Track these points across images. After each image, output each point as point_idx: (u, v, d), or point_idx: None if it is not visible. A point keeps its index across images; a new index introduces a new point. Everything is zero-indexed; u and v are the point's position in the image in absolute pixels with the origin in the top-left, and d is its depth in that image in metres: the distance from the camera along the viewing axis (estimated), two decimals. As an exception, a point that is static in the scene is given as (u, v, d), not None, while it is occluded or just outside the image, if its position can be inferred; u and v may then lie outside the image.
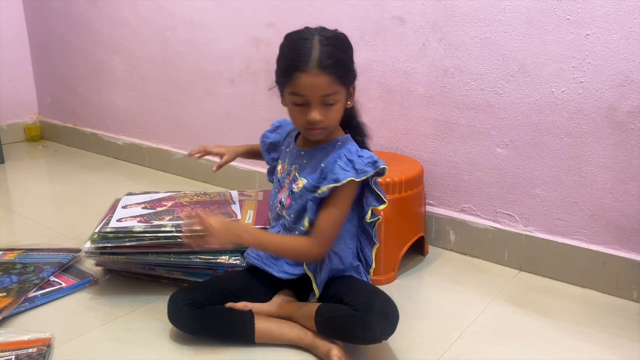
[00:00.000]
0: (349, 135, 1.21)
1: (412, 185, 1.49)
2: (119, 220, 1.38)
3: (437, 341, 1.22)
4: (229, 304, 1.20)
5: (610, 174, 1.37)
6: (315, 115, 1.11)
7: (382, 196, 1.17)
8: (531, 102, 1.43)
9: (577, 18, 1.32)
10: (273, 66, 1.17)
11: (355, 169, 1.13)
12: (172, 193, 1.59)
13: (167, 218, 1.39)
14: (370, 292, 1.14)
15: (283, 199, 1.24)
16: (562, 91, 1.38)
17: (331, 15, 1.71)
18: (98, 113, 2.59)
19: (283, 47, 1.15)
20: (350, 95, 1.18)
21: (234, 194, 1.59)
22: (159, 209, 1.46)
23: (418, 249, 1.61)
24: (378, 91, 1.68)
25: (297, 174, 1.21)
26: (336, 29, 1.14)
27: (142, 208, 1.46)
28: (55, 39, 2.66)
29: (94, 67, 2.52)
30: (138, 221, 1.37)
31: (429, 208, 1.66)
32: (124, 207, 1.47)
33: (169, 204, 1.49)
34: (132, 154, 2.48)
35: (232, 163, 1.46)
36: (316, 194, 1.14)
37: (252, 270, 1.28)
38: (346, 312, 1.09)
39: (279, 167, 1.29)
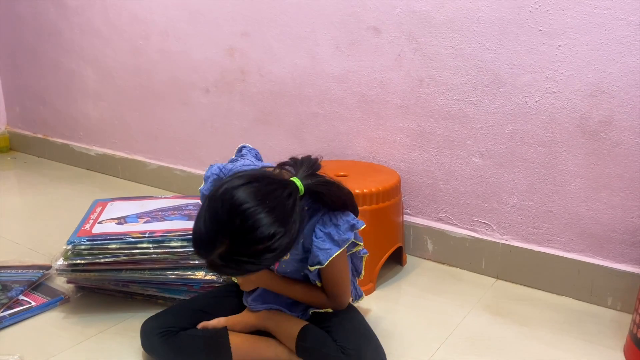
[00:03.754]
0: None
1: (390, 195, 1.49)
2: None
3: (417, 353, 1.21)
4: (202, 324, 1.16)
5: (584, 182, 1.39)
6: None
7: (359, 240, 1.14)
8: (506, 112, 1.45)
9: (549, 29, 1.34)
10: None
11: (335, 241, 1.07)
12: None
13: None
14: (361, 337, 1.11)
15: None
16: (536, 101, 1.40)
17: (306, 26, 1.70)
18: (69, 123, 2.54)
19: None
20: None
21: None
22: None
23: (396, 259, 1.61)
24: (354, 101, 1.68)
25: None
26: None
27: (116, 224, 1.42)
28: (24, 47, 2.59)
29: (64, 76, 2.47)
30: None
31: (406, 218, 1.66)
32: (99, 223, 1.43)
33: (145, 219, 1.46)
34: (105, 165, 2.43)
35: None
36: (309, 269, 1.11)
37: (224, 286, 1.26)
38: (332, 351, 1.06)
39: None
